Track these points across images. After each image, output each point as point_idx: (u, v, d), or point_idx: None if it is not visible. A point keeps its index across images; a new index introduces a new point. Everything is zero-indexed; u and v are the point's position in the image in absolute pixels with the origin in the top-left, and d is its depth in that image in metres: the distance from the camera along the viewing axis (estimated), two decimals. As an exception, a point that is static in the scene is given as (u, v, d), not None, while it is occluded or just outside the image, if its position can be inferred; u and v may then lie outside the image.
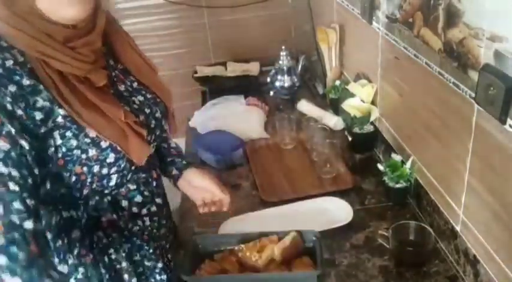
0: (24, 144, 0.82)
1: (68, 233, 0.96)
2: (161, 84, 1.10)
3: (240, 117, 1.91)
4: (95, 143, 0.92)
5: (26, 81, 0.83)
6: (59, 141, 0.88)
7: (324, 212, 1.36)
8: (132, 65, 1.06)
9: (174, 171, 1.24)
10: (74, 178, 0.93)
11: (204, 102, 2.22)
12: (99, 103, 0.91)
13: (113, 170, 0.97)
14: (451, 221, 1.17)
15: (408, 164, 1.35)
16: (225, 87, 2.31)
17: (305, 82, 2.28)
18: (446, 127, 1.14)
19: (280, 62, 2.07)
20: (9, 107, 0.80)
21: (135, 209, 1.06)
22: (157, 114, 1.07)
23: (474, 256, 1.07)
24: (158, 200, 1.12)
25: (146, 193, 1.08)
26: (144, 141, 0.97)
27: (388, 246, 1.21)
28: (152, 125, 1.05)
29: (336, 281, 1.15)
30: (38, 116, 0.85)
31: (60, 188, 0.94)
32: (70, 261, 0.96)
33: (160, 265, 1.09)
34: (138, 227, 1.07)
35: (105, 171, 0.96)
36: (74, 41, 0.90)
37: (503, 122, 0.88)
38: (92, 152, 0.92)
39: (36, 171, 0.84)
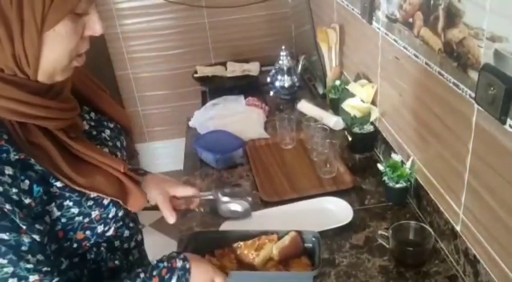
0: (39, 227, 0.76)
1: None
2: (116, 107, 1.00)
3: (240, 117, 1.91)
4: (98, 203, 0.86)
5: (14, 156, 0.73)
6: (56, 214, 0.81)
7: (324, 212, 1.36)
8: (84, 91, 0.93)
9: None
10: (75, 245, 0.86)
11: (204, 102, 2.22)
12: (98, 159, 0.84)
13: (113, 223, 0.91)
14: (451, 221, 1.17)
15: (408, 164, 1.35)
16: (225, 87, 2.31)
17: (305, 82, 2.28)
18: (446, 127, 1.14)
19: (280, 62, 2.07)
20: (15, 197, 0.72)
21: (126, 246, 1.00)
22: (124, 143, 1.01)
23: (474, 256, 1.07)
24: (140, 226, 1.06)
25: (131, 224, 1.00)
26: (141, 190, 0.92)
27: (388, 246, 1.21)
28: (124, 157, 1.00)
29: (336, 281, 1.15)
30: (41, 188, 0.76)
31: (59, 258, 0.85)
32: None
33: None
34: (129, 264, 1.02)
35: (107, 227, 0.89)
36: (54, 88, 0.81)
37: (503, 122, 0.88)
38: (95, 213, 0.85)
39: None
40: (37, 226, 0.75)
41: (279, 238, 1.10)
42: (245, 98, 2.09)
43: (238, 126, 1.85)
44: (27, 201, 0.74)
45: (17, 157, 0.74)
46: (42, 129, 0.78)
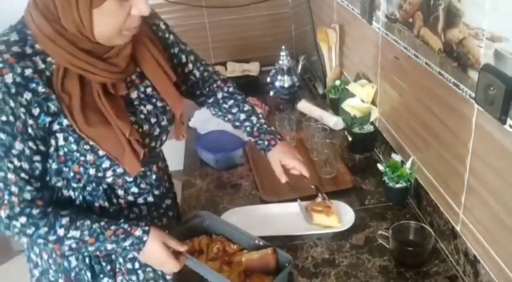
0: (32, 145, 0.93)
1: (65, 208, 1.02)
2: (174, 93, 1.11)
3: (240, 117, 1.91)
4: (93, 150, 0.99)
5: (41, 89, 0.91)
6: (61, 142, 0.97)
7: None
8: (148, 71, 1.07)
9: (261, 150, 1.31)
10: (71, 174, 1.02)
11: (204, 102, 2.21)
12: (112, 118, 0.96)
13: (108, 173, 1.04)
14: (451, 221, 1.17)
15: (408, 164, 1.35)
16: (225, 87, 2.31)
17: (305, 82, 2.28)
18: (446, 127, 1.14)
19: (280, 62, 2.07)
20: (22, 116, 0.90)
21: (130, 198, 1.12)
22: (164, 122, 1.11)
23: (474, 256, 1.07)
24: (156, 192, 1.16)
25: (143, 185, 1.12)
26: (138, 159, 1.01)
27: (388, 246, 1.21)
28: (156, 133, 1.10)
29: (336, 281, 1.15)
30: (48, 119, 0.93)
31: (59, 179, 1.03)
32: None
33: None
34: (134, 215, 1.13)
35: (100, 174, 1.03)
36: (108, 52, 0.95)
37: (503, 122, 0.88)
38: (90, 157, 0.99)
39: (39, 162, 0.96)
40: (30, 144, 0.93)
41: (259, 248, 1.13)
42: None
43: (238, 126, 1.84)
44: (30, 122, 0.91)
45: (43, 90, 0.91)
46: (82, 77, 0.94)
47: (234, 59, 2.59)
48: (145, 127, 1.07)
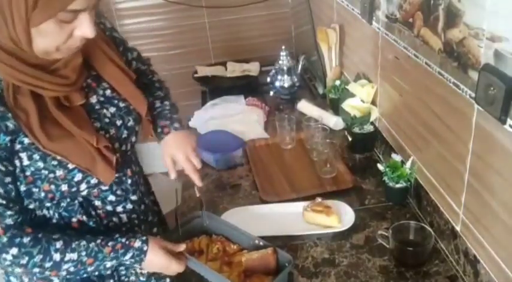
0: (0, 167, 0.89)
1: (42, 229, 0.98)
2: (135, 92, 1.07)
3: (240, 117, 1.91)
4: (62, 164, 0.94)
5: None
6: (26, 162, 0.91)
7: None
8: (106, 73, 1.03)
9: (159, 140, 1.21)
10: (43, 194, 0.96)
11: (204, 102, 2.22)
12: (74, 130, 0.92)
13: (82, 186, 0.99)
14: (451, 221, 1.17)
15: (408, 164, 1.35)
16: (225, 87, 2.31)
17: (305, 82, 2.28)
18: (446, 127, 1.14)
19: (280, 62, 2.07)
20: None
21: (109, 207, 1.08)
22: (130, 123, 1.07)
23: (474, 256, 1.07)
24: (133, 197, 1.12)
25: (119, 192, 1.08)
26: (111, 166, 0.98)
27: (388, 246, 1.21)
28: (124, 135, 1.06)
29: (336, 281, 1.15)
30: (8, 138, 0.88)
31: (30, 201, 0.98)
32: None
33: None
34: (114, 224, 1.09)
35: (74, 189, 0.98)
36: (55, 64, 0.90)
37: (503, 122, 0.88)
38: (59, 173, 0.94)
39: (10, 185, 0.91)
40: None
41: (259, 248, 1.13)
42: (245, 98, 2.09)
43: (238, 126, 1.85)
44: None
45: None
46: (35, 92, 0.89)
47: (234, 59, 2.59)
48: (112, 131, 1.03)
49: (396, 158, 1.41)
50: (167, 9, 2.80)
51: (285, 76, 2.07)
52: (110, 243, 0.99)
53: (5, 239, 0.90)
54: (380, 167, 1.41)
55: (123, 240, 1.00)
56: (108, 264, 0.99)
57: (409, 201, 1.40)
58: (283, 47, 2.08)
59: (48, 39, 0.83)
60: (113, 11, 2.80)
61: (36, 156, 0.91)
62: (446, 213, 1.20)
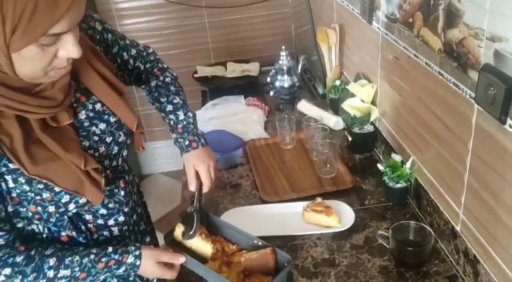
0: None
1: (30, 244, 0.96)
2: (125, 108, 1.03)
3: (240, 117, 1.92)
4: (48, 187, 0.91)
5: None
6: (11, 184, 0.89)
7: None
8: (94, 88, 0.98)
9: (179, 149, 1.24)
10: (30, 213, 0.95)
11: (204, 102, 2.22)
12: (61, 152, 0.89)
13: (70, 206, 0.97)
14: (451, 221, 1.17)
15: (408, 164, 1.35)
16: (225, 87, 2.31)
17: (305, 82, 2.28)
18: (446, 127, 1.14)
19: (280, 62, 2.07)
20: None
21: (100, 221, 1.06)
22: (121, 138, 1.04)
23: (474, 256, 1.07)
24: (126, 209, 1.10)
25: (111, 205, 1.07)
26: (99, 189, 0.96)
27: (388, 246, 1.21)
28: (115, 152, 1.04)
29: (336, 281, 1.15)
30: None
31: (18, 220, 0.96)
32: None
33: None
34: (104, 237, 1.08)
35: (61, 209, 0.97)
36: (41, 86, 0.86)
37: (503, 122, 0.88)
38: (46, 195, 0.92)
39: None
40: None
41: (257, 248, 1.13)
42: (245, 98, 2.09)
43: (238, 126, 1.85)
44: None
45: None
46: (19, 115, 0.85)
47: (234, 59, 2.59)
48: (102, 149, 1.00)
49: (396, 158, 1.41)
50: (167, 9, 2.80)
51: (285, 76, 2.07)
52: (103, 260, 0.98)
53: None
54: (380, 167, 1.41)
55: (116, 256, 0.99)
56: (102, 277, 1.00)
57: (409, 201, 1.40)
58: (283, 47, 2.08)
59: (31, 63, 0.79)
60: (113, 11, 2.80)
61: (21, 180, 0.89)
62: (446, 213, 1.20)
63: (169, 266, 1.05)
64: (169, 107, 1.24)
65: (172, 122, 1.24)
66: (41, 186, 0.90)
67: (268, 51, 2.63)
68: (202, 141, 1.23)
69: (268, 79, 2.13)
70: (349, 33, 1.87)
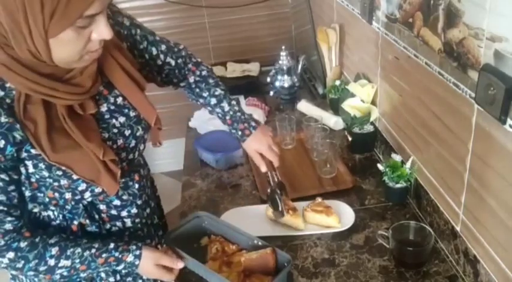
0: (4, 176, 0.89)
1: (45, 229, 1.01)
2: (145, 103, 1.05)
3: (240, 117, 1.91)
4: (66, 175, 0.94)
5: (3, 119, 0.84)
6: (31, 170, 0.92)
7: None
8: (117, 82, 1.01)
9: (235, 139, 1.30)
10: (47, 199, 0.98)
11: (204, 102, 2.21)
12: (83, 141, 0.91)
13: (86, 194, 1.00)
14: (451, 221, 1.17)
15: (408, 164, 1.35)
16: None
17: (305, 82, 2.28)
18: (446, 127, 1.14)
19: (280, 62, 2.07)
20: None
21: (113, 212, 1.08)
22: (139, 132, 1.07)
23: (474, 256, 1.07)
24: (139, 202, 1.12)
25: (125, 197, 1.08)
26: (115, 180, 0.97)
27: (388, 246, 1.21)
28: (132, 145, 1.06)
29: (336, 281, 1.15)
30: (14, 148, 0.87)
31: (35, 205, 0.99)
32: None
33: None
34: (117, 228, 1.09)
35: (77, 197, 0.99)
36: (70, 73, 0.89)
37: (503, 122, 0.88)
38: (64, 182, 0.95)
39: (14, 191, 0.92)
40: (3, 176, 0.88)
41: (257, 248, 1.13)
42: (245, 98, 2.09)
43: (238, 126, 1.84)
44: None
45: (6, 120, 0.85)
46: (46, 100, 0.88)
47: (234, 59, 2.59)
48: (120, 142, 1.02)
49: (396, 158, 1.41)
50: (167, 9, 2.80)
51: (285, 76, 2.07)
52: (103, 255, 1.00)
53: (2, 243, 0.92)
54: (380, 167, 1.41)
55: (116, 254, 1.01)
56: (102, 271, 1.04)
57: (409, 201, 1.40)
58: (283, 47, 2.08)
59: (68, 47, 0.82)
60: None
61: (41, 166, 0.91)
62: (446, 213, 1.20)
63: (168, 268, 1.06)
64: (213, 101, 1.26)
65: (220, 115, 1.27)
66: (59, 172, 0.93)
67: (268, 51, 2.63)
68: (253, 124, 1.27)
69: (268, 79, 2.13)
70: (349, 33, 1.87)
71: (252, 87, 2.29)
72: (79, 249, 0.98)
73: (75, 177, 0.94)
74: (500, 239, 0.98)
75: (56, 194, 0.96)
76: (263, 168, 1.26)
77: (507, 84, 0.84)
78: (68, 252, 0.97)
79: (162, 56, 1.19)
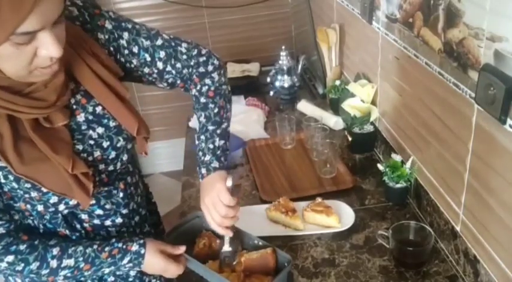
0: None
1: (33, 235, 0.97)
2: (125, 113, 0.99)
3: (240, 117, 1.91)
4: (35, 188, 0.90)
5: None
6: (2, 180, 0.89)
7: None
8: (93, 91, 0.95)
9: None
10: (22, 209, 0.95)
11: (204, 102, 2.21)
12: (49, 153, 0.87)
13: (60, 207, 0.95)
14: (451, 221, 1.17)
15: (408, 164, 1.35)
16: (225, 87, 2.31)
17: (305, 82, 2.28)
18: (446, 127, 1.14)
19: (280, 62, 2.07)
20: None
21: (96, 221, 1.03)
22: (120, 143, 1.01)
23: (474, 256, 1.07)
24: (124, 211, 1.06)
25: (108, 206, 1.03)
26: (87, 194, 0.93)
27: (388, 246, 1.21)
28: (112, 156, 1.00)
29: (336, 281, 1.15)
30: None
31: (14, 213, 0.95)
32: None
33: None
34: (101, 237, 1.05)
35: (51, 209, 0.95)
36: (32, 86, 0.84)
37: (503, 122, 0.88)
38: (34, 194, 0.91)
39: None
40: None
41: (258, 248, 1.12)
42: (245, 98, 2.09)
43: (238, 126, 1.85)
44: None
45: None
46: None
47: (234, 59, 2.59)
48: (97, 154, 0.97)
49: (396, 158, 1.41)
50: (167, 9, 2.80)
51: (285, 76, 2.07)
52: (106, 249, 0.98)
53: None
54: (380, 167, 1.41)
55: (120, 244, 0.99)
56: (106, 270, 0.99)
57: (409, 201, 1.40)
58: (283, 47, 2.08)
59: (10, 62, 0.76)
60: (113, 11, 2.80)
61: (10, 177, 0.88)
62: (446, 213, 1.20)
63: (175, 259, 1.04)
64: (199, 125, 1.14)
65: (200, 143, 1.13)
66: (28, 185, 0.90)
67: (268, 51, 2.63)
68: (203, 171, 1.10)
69: (268, 79, 2.13)
70: (349, 33, 1.87)
71: (252, 87, 2.29)
72: (81, 247, 0.96)
73: (44, 190, 0.90)
74: (500, 239, 0.98)
75: (28, 206, 0.93)
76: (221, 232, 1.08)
77: (507, 84, 0.84)
78: (70, 251, 0.95)
79: (159, 64, 1.07)
